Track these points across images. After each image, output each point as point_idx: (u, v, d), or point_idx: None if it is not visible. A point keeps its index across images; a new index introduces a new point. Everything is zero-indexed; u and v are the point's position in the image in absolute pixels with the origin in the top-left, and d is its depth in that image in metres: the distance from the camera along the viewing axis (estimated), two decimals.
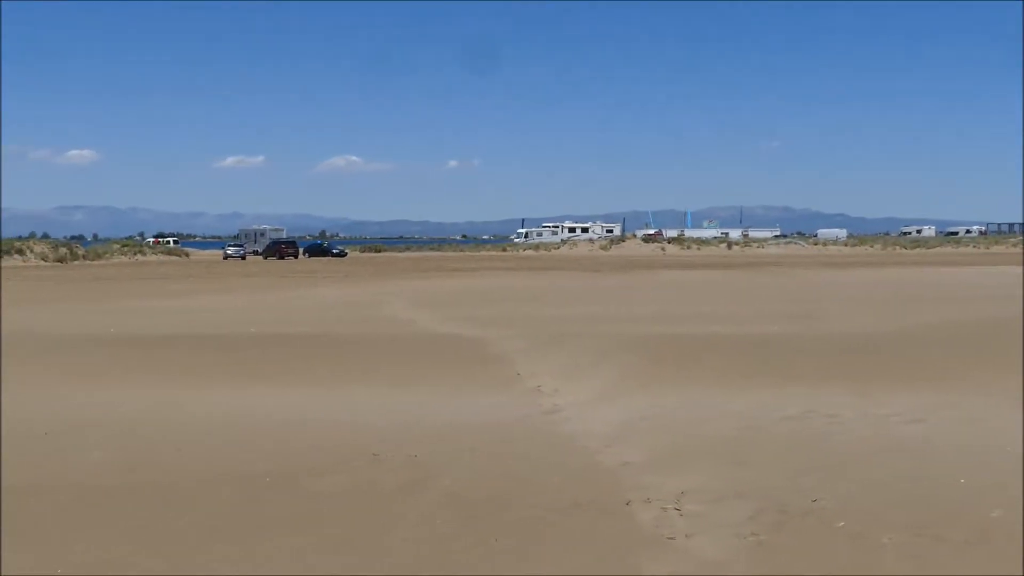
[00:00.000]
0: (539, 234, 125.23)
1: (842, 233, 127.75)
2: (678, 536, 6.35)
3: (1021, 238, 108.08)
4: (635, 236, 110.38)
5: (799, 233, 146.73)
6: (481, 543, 6.28)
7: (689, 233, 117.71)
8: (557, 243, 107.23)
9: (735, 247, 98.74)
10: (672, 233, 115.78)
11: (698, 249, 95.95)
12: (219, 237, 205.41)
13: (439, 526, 6.63)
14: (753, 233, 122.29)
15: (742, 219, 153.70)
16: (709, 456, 8.49)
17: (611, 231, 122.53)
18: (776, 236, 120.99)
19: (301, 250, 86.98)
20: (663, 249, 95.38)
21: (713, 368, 13.48)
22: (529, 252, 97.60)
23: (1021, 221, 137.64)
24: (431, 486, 7.58)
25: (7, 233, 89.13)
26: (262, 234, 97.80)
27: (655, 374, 13.01)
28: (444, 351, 15.67)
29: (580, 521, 6.70)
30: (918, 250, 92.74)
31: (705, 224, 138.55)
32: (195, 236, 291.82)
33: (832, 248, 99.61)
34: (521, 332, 17.65)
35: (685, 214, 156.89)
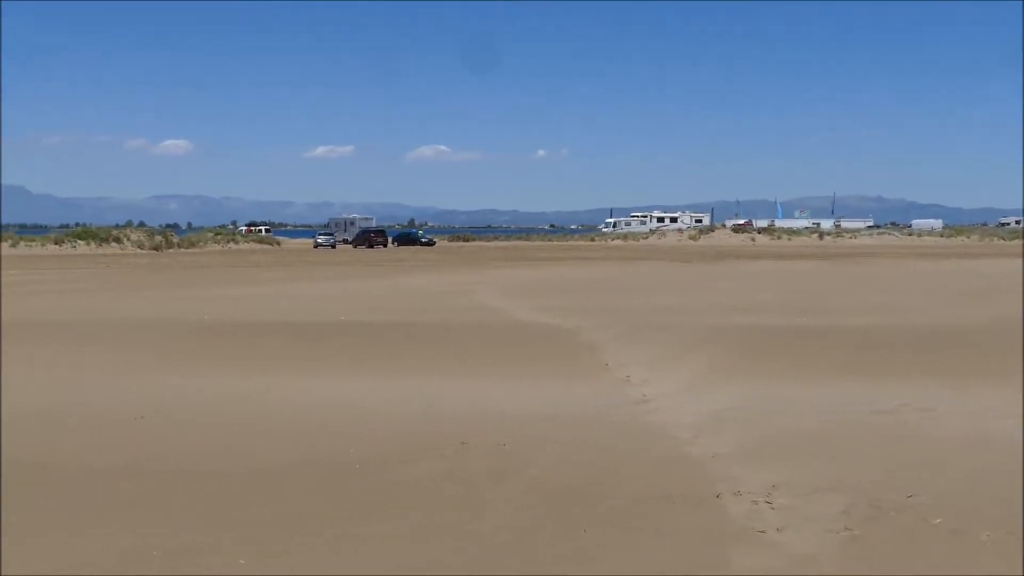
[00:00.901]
0: (627, 224, 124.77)
1: (937, 223, 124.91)
2: (769, 530, 6.26)
3: None
4: (724, 226, 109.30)
5: (893, 223, 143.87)
6: (569, 533, 6.25)
7: (779, 223, 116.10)
8: (645, 233, 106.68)
9: (827, 238, 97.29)
10: (762, 223, 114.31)
11: (789, 240, 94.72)
12: (309, 226, 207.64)
13: (527, 515, 6.61)
14: (845, 223, 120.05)
15: (834, 209, 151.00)
16: (800, 449, 8.37)
17: (700, 221, 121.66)
18: (869, 227, 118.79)
19: (390, 239, 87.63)
20: (753, 239, 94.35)
21: (803, 359, 13.30)
22: (617, 242, 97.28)
23: None
24: (519, 475, 7.57)
25: (106, 221, 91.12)
26: (352, 223, 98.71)
27: (744, 365, 12.87)
28: (533, 340, 15.66)
29: (669, 513, 6.64)
30: (1016, 241, 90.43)
31: (796, 214, 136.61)
32: (286, 225, 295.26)
33: (927, 239, 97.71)
34: (610, 322, 17.58)
35: (775, 204, 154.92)
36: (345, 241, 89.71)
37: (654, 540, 6.12)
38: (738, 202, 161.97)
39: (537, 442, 8.61)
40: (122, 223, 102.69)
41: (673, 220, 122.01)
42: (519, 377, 12.18)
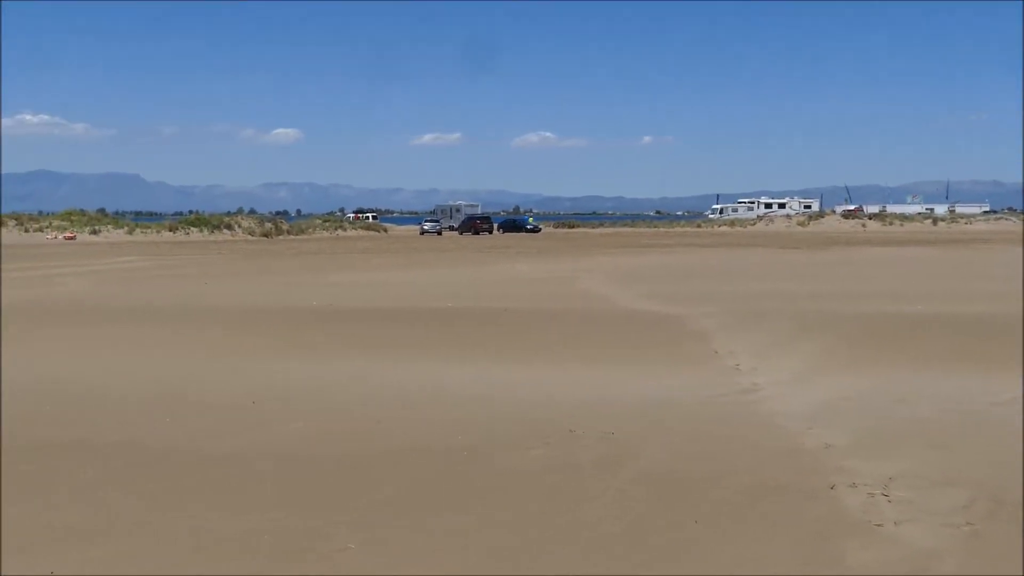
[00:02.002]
0: (734, 210, 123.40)
1: None
2: (886, 523, 6.09)
3: None
4: (833, 212, 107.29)
5: (1010, 208, 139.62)
6: (679, 523, 6.16)
7: (891, 209, 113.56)
8: (753, 219, 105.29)
9: (940, 223, 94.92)
10: (873, 209, 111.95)
11: (901, 225, 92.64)
12: (416, 212, 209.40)
13: (635, 505, 6.53)
14: (960, 209, 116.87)
15: (948, 194, 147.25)
16: (916, 441, 8.14)
17: (808, 207, 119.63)
18: (985, 212, 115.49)
19: (495, 225, 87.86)
20: (863, 225, 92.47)
21: (917, 348, 12.96)
22: (724, 228, 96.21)
23: None
24: (627, 464, 7.49)
25: (218, 208, 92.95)
26: (458, 210, 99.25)
27: (856, 353, 12.60)
28: (640, 327, 15.54)
29: (782, 505, 6.50)
30: None
31: (908, 199, 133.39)
32: (393, 211, 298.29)
33: None
34: (718, 309, 17.36)
35: (887, 189, 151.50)
36: (451, 228, 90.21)
37: (767, 533, 5.99)
38: (848, 188, 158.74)
39: (645, 431, 8.51)
40: (233, 210, 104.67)
41: (781, 206, 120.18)
42: (626, 365, 12.08)
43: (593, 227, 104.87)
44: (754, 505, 6.49)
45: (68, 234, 68.82)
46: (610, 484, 6.98)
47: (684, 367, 11.78)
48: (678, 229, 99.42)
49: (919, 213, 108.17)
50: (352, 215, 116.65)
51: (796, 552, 5.68)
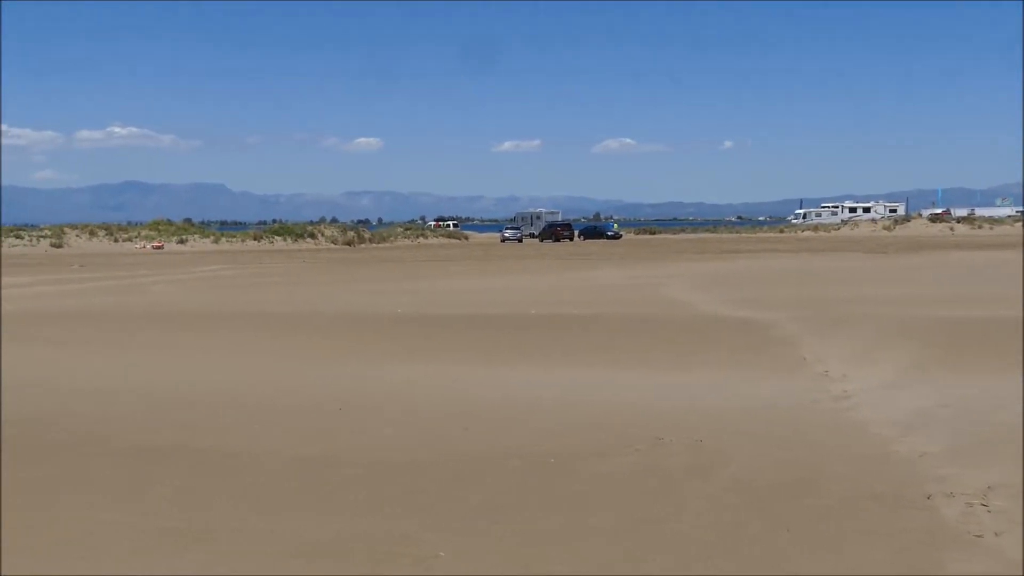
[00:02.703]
0: (818, 215, 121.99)
1: None
2: (986, 534, 5.93)
3: None
4: (920, 216, 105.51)
5: None
6: (772, 532, 6.06)
7: (980, 212, 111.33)
8: (837, 224, 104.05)
9: None
10: (961, 212, 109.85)
11: (990, 229, 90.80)
12: (496, 220, 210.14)
13: (727, 513, 6.44)
14: None
15: None
16: (1015, 449, 7.91)
17: (894, 211, 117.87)
18: None
19: (576, 232, 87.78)
20: (952, 229, 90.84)
21: (1014, 354, 12.64)
22: (807, 233, 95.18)
23: None
24: (717, 472, 7.40)
25: (302, 217, 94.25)
26: (538, 217, 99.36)
27: (950, 359, 12.34)
28: (725, 333, 15.38)
29: (877, 514, 6.37)
30: None
31: (998, 202, 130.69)
32: (473, 219, 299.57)
33: None
34: (804, 314, 17.13)
35: (975, 191, 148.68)
36: (532, 235, 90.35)
37: (863, 542, 5.87)
38: (938, 191, 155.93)
39: (736, 438, 8.40)
40: (316, 219, 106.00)
41: (866, 210, 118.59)
42: (712, 371, 11.96)
43: (674, 233, 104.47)
44: (849, 514, 6.37)
45: (156, 243, 70.16)
46: (701, 492, 6.89)
47: (772, 374, 11.62)
48: (760, 234, 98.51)
49: (1010, 216, 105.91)
50: (433, 223, 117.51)
51: (894, 563, 5.56)
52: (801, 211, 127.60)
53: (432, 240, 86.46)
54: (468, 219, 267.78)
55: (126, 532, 6.19)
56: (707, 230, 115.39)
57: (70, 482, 7.40)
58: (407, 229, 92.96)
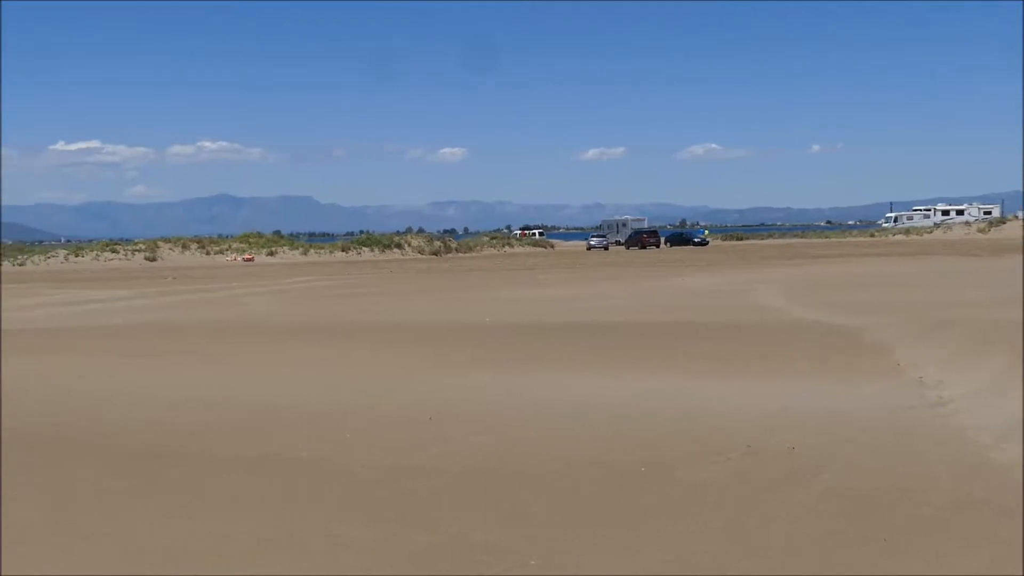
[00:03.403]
0: (909, 218, 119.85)
1: None
2: None
3: None
4: (1016, 217, 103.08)
5: None
6: (868, 541, 5.97)
7: None
8: (929, 227, 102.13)
9: None
10: None
11: None
12: (582, 228, 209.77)
13: (821, 522, 6.36)
14: None
15: None
16: None
17: (989, 212, 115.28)
18: None
19: (662, 239, 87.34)
20: None
21: None
22: (899, 237, 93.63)
23: None
24: (811, 480, 7.30)
25: (388, 227, 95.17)
26: (624, 224, 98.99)
27: None
28: (816, 339, 15.18)
29: (976, 521, 6.24)
30: None
31: None
32: (559, 227, 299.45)
33: None
34: (897, 319, 16.84)
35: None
36: (618, 243, 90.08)
37: (963, 551, 5.76)
38: None
39: (829, 446, 8.29)
40: (403, 229, 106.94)
41: (959, 213, 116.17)
42: (804, 378, 11.81)
43: (761, 238, 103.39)
44: (947, 522, 6.25)
45: (247, 256, 71.25)
46: (795, 500, 6.81)
47: (865, 380, 11.44)
48: (850, 239, 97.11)
49: None
50: (519, 232, 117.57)
51: (991, 569, 5.45)
52: (892, 215, 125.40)
53: (518, 249, 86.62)
54: (554, 227, 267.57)
55: (223, 541, 6.31)
56: (795, 235, 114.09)
57: (169, 491, 7.55)
58: (493, 238, 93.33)
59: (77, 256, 72.35)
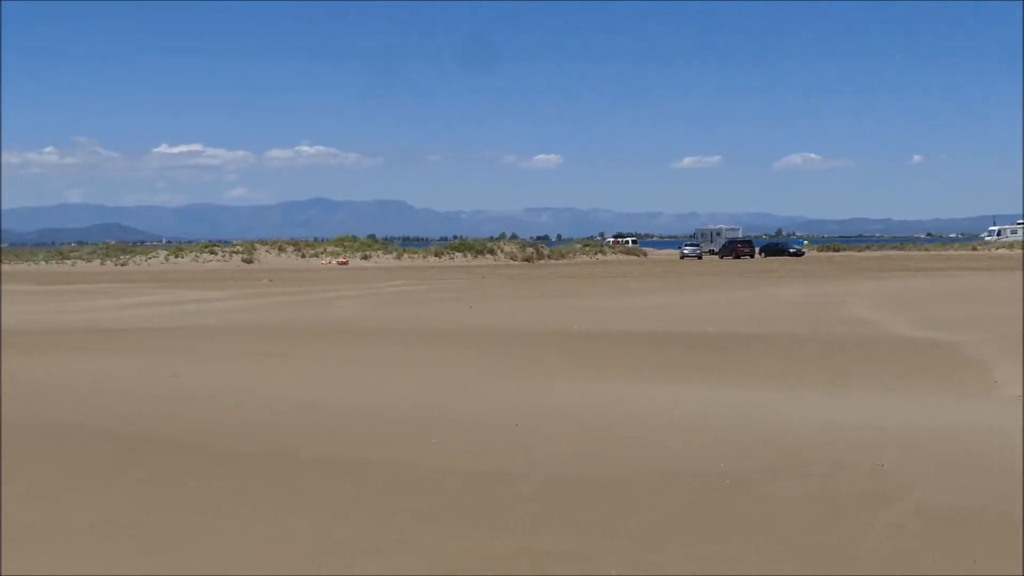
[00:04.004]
0: (1013, 231, 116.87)
1: None
2: None
3: None
4: None
5: None
6: (955, 563, 5.84)
7: None
8: None
9: None
10: None
11: None
12: (675, 236, 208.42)
13: (908, 541, 6.23)
14: None
15: None
16: None
17: None
18: None
19: (757, 249, 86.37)
20: None
21: None
22: (1002, 251, 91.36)
23: None
24: (900, 498, 7.15)
25: (481, 233, 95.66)
26: (718, 233, 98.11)
27: None
28: (911, 354, 14.90)
29: None
30: None
31: None
32: (652, 236, 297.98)
33: None
34: (997, 336, 16.43)
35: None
36: (711, 252, 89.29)
37: None
38: None
39: (919, 464, 8.12)
40: (496, 235, 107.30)
41: None
42: (896, 393, 11.59)
43: (859, 250, 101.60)
44: None
45: (341, 259, 72.05)
46: (881, 518, 6.69)
47: (960, 397, 11.20)
48: (951, 252, 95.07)
49: None
50: (612, 239, 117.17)
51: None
52: (995, 228, 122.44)
53: (611, 256, 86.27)
54: (647, 235, 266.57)
55: (307, 541, 6.37)
56: (894, 247, 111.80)
57: (262, 492, 7.66)
58: (586, 245, 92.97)
59: (177, 257, 73.85)
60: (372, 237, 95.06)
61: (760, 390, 12.01)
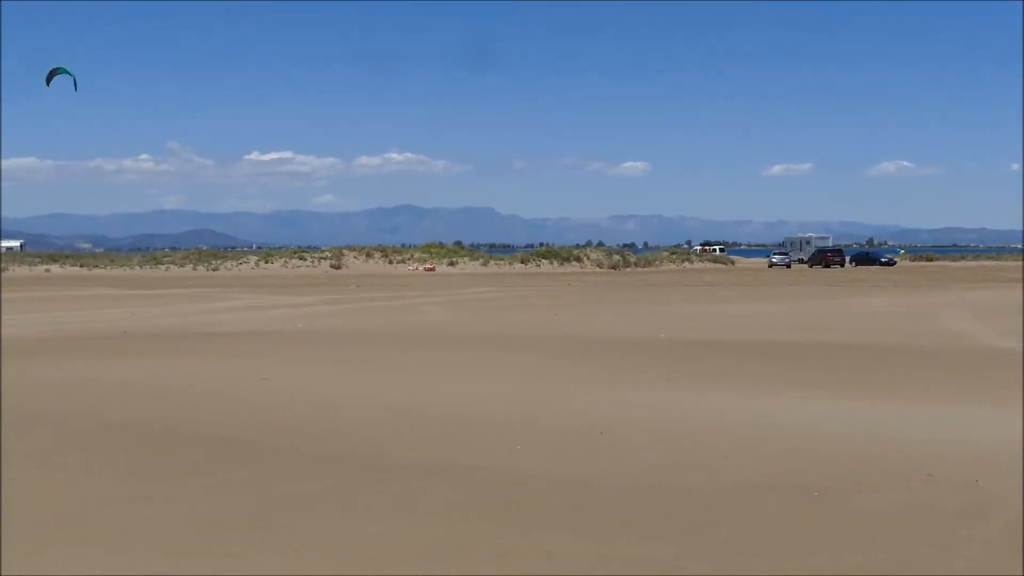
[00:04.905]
0: None
1: None
2: None
3: None
4: None
5: None
6: None
7: None
8: None
9: None
10: None
11: None
12: (764, 245, 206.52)
13: (1002, 559, 6.07)
14: None
15: None
16: None
17: None
18: None
19: (847, 258, 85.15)
20: None
21: None
22: None
23: None
24: (995, 515, 6.97)
25: (567, 240, 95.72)
26: (807, 242, 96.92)
27: None
28: (1007, 367, 14.55)
29: None
30: None
31: None
32: (740, 244, 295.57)
33: None
34: None
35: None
36: (800, 260, 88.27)
37: None
38: None
39: (1016, 479, 7.90)
40: (582, 242, 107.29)
41: None
42: (993, 407, 11.33)
43: (953, 260, 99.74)
44: None
45: (428, 265, 72.55)
46: (976, 535, 6.52)
47: None
48: None
49: None
50: (699, 247, 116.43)
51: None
52: None
53: (698, 265, 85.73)
54: (735, 244, 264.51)
55: (392, 544, 6.41)
56: (990, 257, 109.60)
57: (352, 494, 7.72)
58: (672, 253, 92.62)
59: (267, 262, 74.96)
60: (459, 244, 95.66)
61: (849, 401, 11.82)
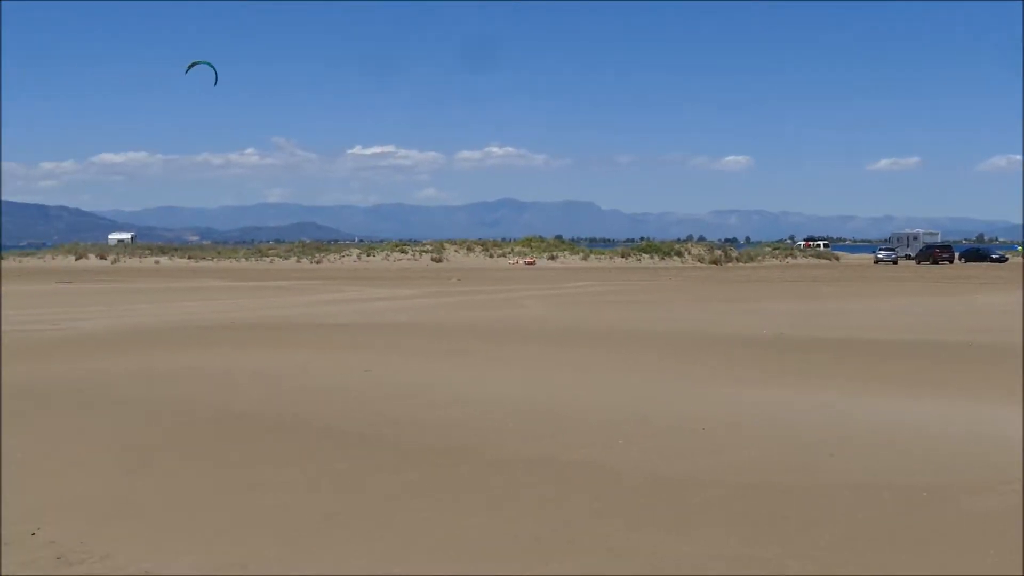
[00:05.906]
0: None
1: None
2: None
3: None
4: None
5: None
6: None
7: None
8: None
9: None
10: None
11: None
12: (869, 241, 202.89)
13: None
14: None
15: None
16: None
17: None
18: None
19: (956, 255, 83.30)
20: None
21: None
22: None
23: None
24: None
25: (669, 235, 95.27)
26: (915, 238, 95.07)
27: None
28: None
29: None
30: None
31: None
32: (845, 239, 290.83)
33: None
34: None
35: None
36: (908, 257, 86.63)
37: None
38: None
39: None
40: (683, 237, 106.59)
41: None
42: None
43: None
44: None
45: (529, 260, 72.68)
46: None
47: None
48: None
49: None
50: (803, 243, 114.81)
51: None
52: None
53: (801, 260, 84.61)
54: (839, 239, 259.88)
55: (493, 538, 6.44)
56: None
57: (452, 487, 7.79)
58: (775, 249, 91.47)
59: (369, 255, 75.94)
60: (559, 238, 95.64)
61: (958, 400, 11.58)
